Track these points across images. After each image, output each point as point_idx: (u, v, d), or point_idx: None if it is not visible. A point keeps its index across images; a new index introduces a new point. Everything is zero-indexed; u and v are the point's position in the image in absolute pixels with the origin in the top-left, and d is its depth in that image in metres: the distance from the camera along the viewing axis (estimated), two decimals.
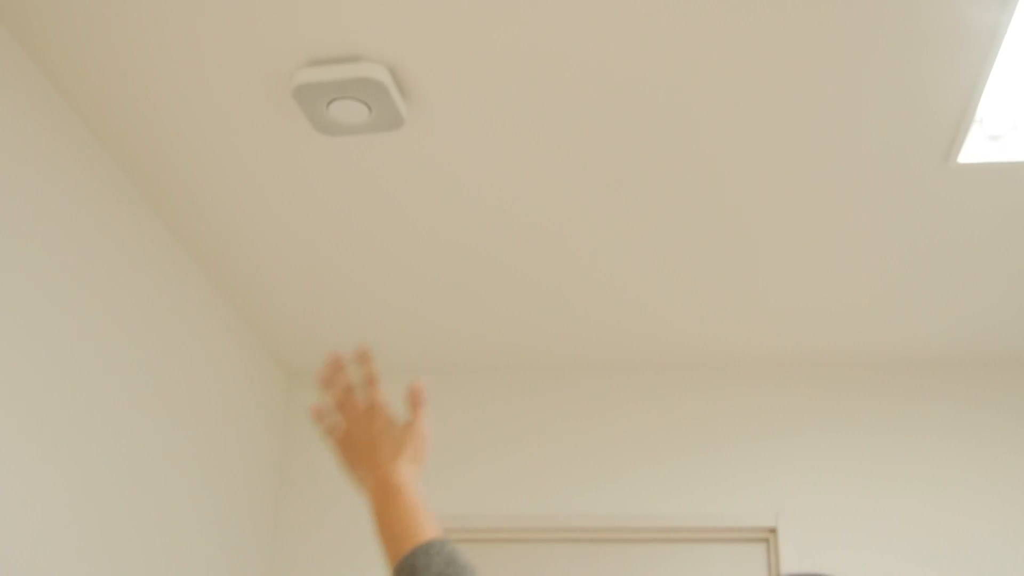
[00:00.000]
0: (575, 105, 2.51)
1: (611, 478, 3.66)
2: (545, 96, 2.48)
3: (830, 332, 3.53)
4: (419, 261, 3.19)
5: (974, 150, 2.60)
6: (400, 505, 1.35)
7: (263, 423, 3.67)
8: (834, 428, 3.66)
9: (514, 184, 2.81)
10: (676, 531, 3.58)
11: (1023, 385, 3.65)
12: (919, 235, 2.99)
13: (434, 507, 3.67)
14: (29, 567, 2.37)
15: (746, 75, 2.40)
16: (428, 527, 1.33)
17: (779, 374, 3.75)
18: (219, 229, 3.04)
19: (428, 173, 2.78)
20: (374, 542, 3.65)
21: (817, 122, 2.55)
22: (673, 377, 3.78)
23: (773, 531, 3.55)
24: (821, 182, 2.77)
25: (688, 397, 3.75)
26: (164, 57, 2.40)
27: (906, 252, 3.07)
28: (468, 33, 2.30)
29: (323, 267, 3.23)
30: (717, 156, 2.68)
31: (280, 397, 3.84)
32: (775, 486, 3.60)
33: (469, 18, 2.26)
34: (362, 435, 1.46)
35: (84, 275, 2.62)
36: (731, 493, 3.60)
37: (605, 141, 2.63)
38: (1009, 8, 2.17)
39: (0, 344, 2.31)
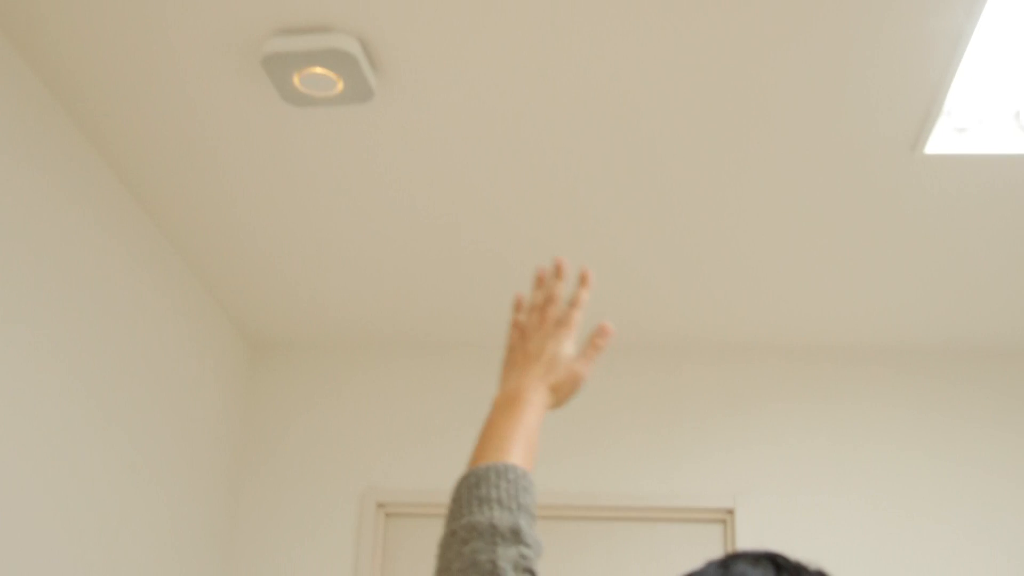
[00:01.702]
0: (545, 79, 2.50)
1: (570, 457, 3.68)
2: (516, 70, 2.47)
3: (791, 317, 3.55)
4: (388, 234, 3.17)
5: (941, 142, 2.62)
6: (512, 419, 1.32)
7: (225, 396, 3.65)
8: (792, 410, 3.69)
9: (483, 158, 2.81)
10: (634, 510, 3.60)
11: (980, 371, 3.69)
12: (885, 224, 3.01)
13: (393, 482, 3.68)
14: None
15: (716, 66, 2.40)
16: (522, 453, 1.28)
17: (738, 357, 3.77)
18: (184, 198, 3.02)
19: (397, 146, 2.76)
20: (335, 520, 3.66)
21: (786, 112, 2.55)
22: (632, 359, 3.80)
23: (731, 512, 3.58)
24: (789, 171, 2.78)
25: (647, 378, 3.77)
26: (131, 24, 2.37)
27: (872, 241, 3.09)
28: (439, 5, 2.28)
29: (290, 239, 3.21)
30: (686, 145, 2.68)
31: (243, 370, 3.82)
32: (733, 467, 3.63)
33: None
34: (534, 344, 1.43)
35: (41, 240, 2.59)
36: (689, 474, 3.63)
37: (576, 118, 2.63)
38: (978, 1, 2.18)
39: None
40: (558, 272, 1.47)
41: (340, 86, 2.45)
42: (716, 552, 3.55)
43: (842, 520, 3.53)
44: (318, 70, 2.40)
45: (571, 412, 3.73)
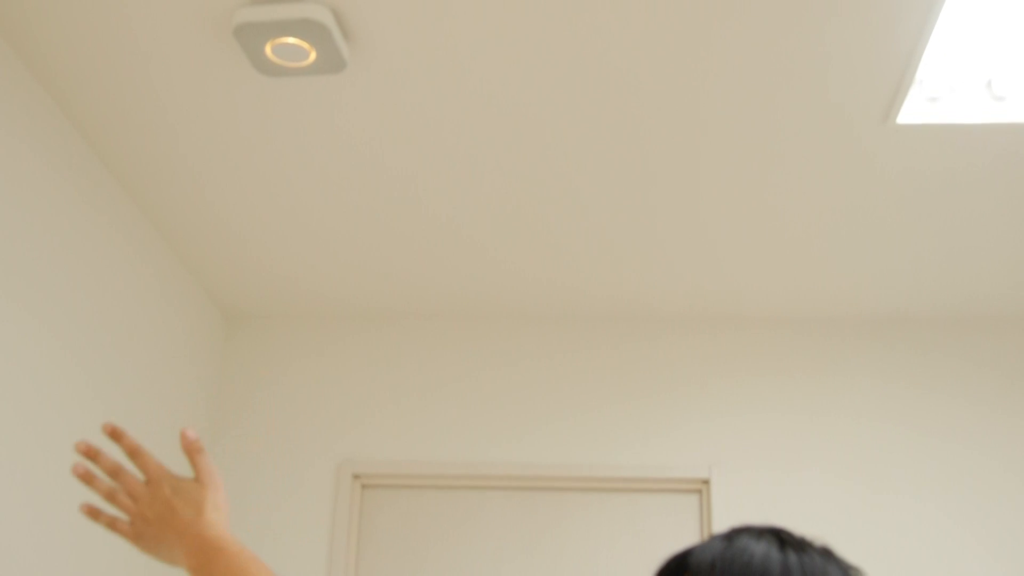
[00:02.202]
0: (519, 52, 2.49)
1: (546, 427, 3.69)
2: (488, 41, 2.46)
3: (766, 288, 3.57)
4: (360, 205, 3.17)
5: (913, 111, 2.63)
6: (226, 560, 1.27)
7: (199, 367, 3.64)
8: (767, 381, 3.71)
9: (455, 129, 2.80)
10: (610, 481, 3.62)
11: (955, 341, 3.71)
12: (858, 195, 3.02)
13: (368, 453, 3.69)
14: None
15: (689, 39, 2.40)
16: (261, 571, 1.26)
17: (713, 328, 3.79)
18: (156, 168, 3.00)
19: (370, 116, 2.75)
20: (311, 492, 3.66)
21: (758, 84, 2.55)
22: (608, 328, 3.81)
23: (706, 482, 3.60)
24: (761, 142, 2.79)
25: (623, 348, 3.78)
26: None
27: (844, 211, 3.10)
28: None
29: (263, 210, 3.20)
30: (656, 116, 2.68)
31: (217, 341, 3.81)
32: (708, 438, 3.65)
33: None
34: (154, 508, 1.37)
35: (13, 212, 2.57)
36: (665, 444, 3.65)
37: (548, 92, 2.62)
38: None
39: None
40: (92, 455, 1.42)
41: (312, 56, 2.44)
42: (692, 522, 3.57)
43: (817, 490, 3.56)
44: (290, 40, 2.38)
45: (546, 384, 3.75)
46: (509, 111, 2.71)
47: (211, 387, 3.74)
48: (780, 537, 1.09)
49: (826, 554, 1.09)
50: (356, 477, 3.67)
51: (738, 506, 3.55)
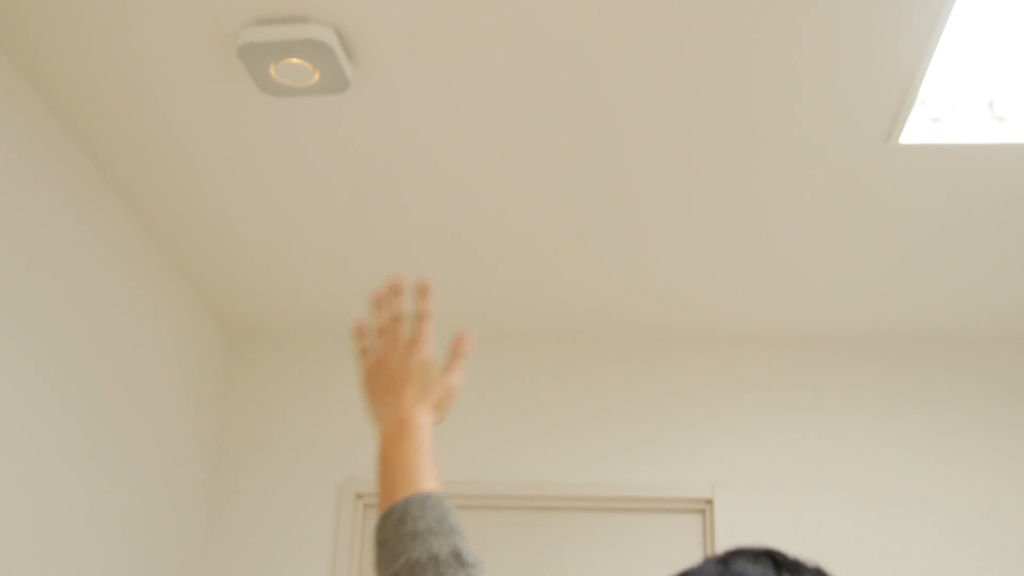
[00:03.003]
0: (520, 69, 2.50)
1: (549, 447, 3.69)
2: (491, 62, 2.48)
3: (770, 308, 3.57)
4: (365, 223, 3.17)
5: (915, 132, 2.63)
6: (410, 447, 1.29)
7: (203, 386, 3.64)
8: (772, 401, 3.70)
9: (459, 148, 2.81)
10: (613, 500, 3.62)
11: (959, 360, 3.71)
12: (861, 214, 3.02)
13: (371, 472, 3.68)
14: None
15: (690, 60, 2.41)
16: (431, 478, 1.27)
17: (717, 347, 3.78)
18: (160, 185, 3.01)
19: (373, 136, 2.76)
20: (314, 511, 3.66)
21: (760, 103, 2.56)
22: (612, 348, 3.81)
23: (709, 502, 3.59)
24: (764, 162, 2.79)
25: (626, 368, 3.78)
26: (108, 15, 2.36)
27: (847, 230, 3.11)
28: None
29: (267, 228, 3.21)
30: (661, 137, 2.69)
31: (221, 359, 3.81)
32: (712, 457, 3.64)
33: None
34: (396, 367, 1.40)
35: (15, 230, 2.58)
36: (668, 463, 3.64)
37: (551, 109, 2.63)
38: None
39: None
40: (395, 291, 1.43)
41: (316, 76, 2.45)
42: (695, 542, 3.56)
43: (821, 511, 3.55)
44: (294, 60, 2.40)
45: (549, 403, 3.74)
46: (512, 129, 2.72)
47: (213, 405, 3.74)
48: (775, 559, 1.09)
49: (820, 574, 1.09)
50: (359, 496, 3.67)
51: (741, 526, 3.54)
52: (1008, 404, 3.65)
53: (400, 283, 1.43)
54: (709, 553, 3.53)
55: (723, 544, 3.51)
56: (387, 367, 1.41)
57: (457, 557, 1.16)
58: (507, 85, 2.55)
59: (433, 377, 1.39)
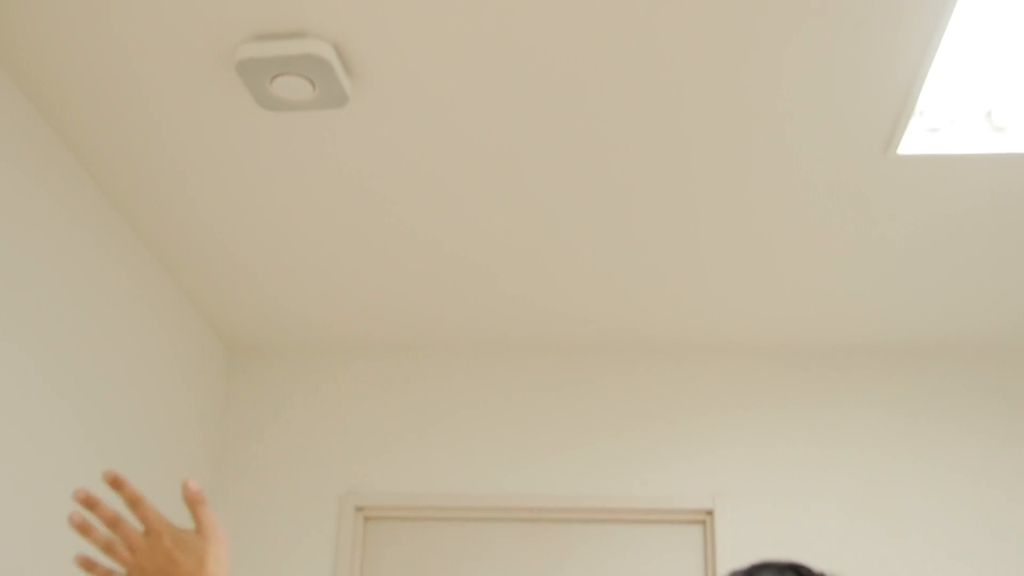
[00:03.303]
0: (518, 85, 2.50)
1: (549, 458, 3.68)
2: (489, 77, 2.48)
3: (769, 319, 3.57)
4: (363, 238, 3.17)
5: (914, 142, 2.64)
6: None
7: (202, 400, 3.64)
8: (772, 411, 3.70)
9: (456, 164, 2.81)
10: (613, 512, 3.61)
11: (959, 370, 3.71)
12: (859, 225, 3.02)
13: (371, 485, 3.68)
14: None
15: (685, 67, 2.41)
16: None
17: (717, 358, 3.78)
18: (159, 200, 3.01)
19: (371, 151, 2.76)
20: (313, 524, 3.65)
21: (758, 114, 2.56)
22: (612, 359, 3.81)
23: (710, 513, 3.59)
24: (761, 171, 2.79)
25: (626, 379, 3.78)
26: (106, 29, 2.36)
27: (846, 241, 3.11)
28: (413, 12, 2.28)
29: (266, 243, 3.21)
30: (658, 148, 2.69)
31: (220, 374, 3.81)
32: (712, 468, 3.64)
33: None
34: (154, 560, 1.35)
35: (16, 245, 2.58)
36: (668, 475, 3.64)
37: (549, 124, 2.63)
38: (950, 1, 2.20)
39: None
40: (89, 503, 1.39)
41: (314, 91, 2.45)
42: (695, 553, 3.56)
43: (822, 522, 3.55)
44: (293, 75, 2.40)
45: (550, 415, 3.74)
46: (510, 145, 2.72)
47: (213, 419, 3.73)
48: (800, 573, 1.09)
49: None
50: (359, 509, 3.66)
51: (742, 537, 3.53)
52: (1008, 414, 3.65)
53: (88, 496, 1.39)
54: (710, 564, 3.53)
55: (724, 555, 3.51)
56: (145, 569, 1.36)
57: None
58: (505, 99, 2.55)
59: (194, 541, 1.36)
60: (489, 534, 3.63)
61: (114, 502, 2.95)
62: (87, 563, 1.41)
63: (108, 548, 1.39)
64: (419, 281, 3.40)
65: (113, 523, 1.39)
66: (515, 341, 3.78)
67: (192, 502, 1.39)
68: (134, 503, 1.38)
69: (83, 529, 1.39)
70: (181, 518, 3.45)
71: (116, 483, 1.38)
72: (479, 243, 3.17)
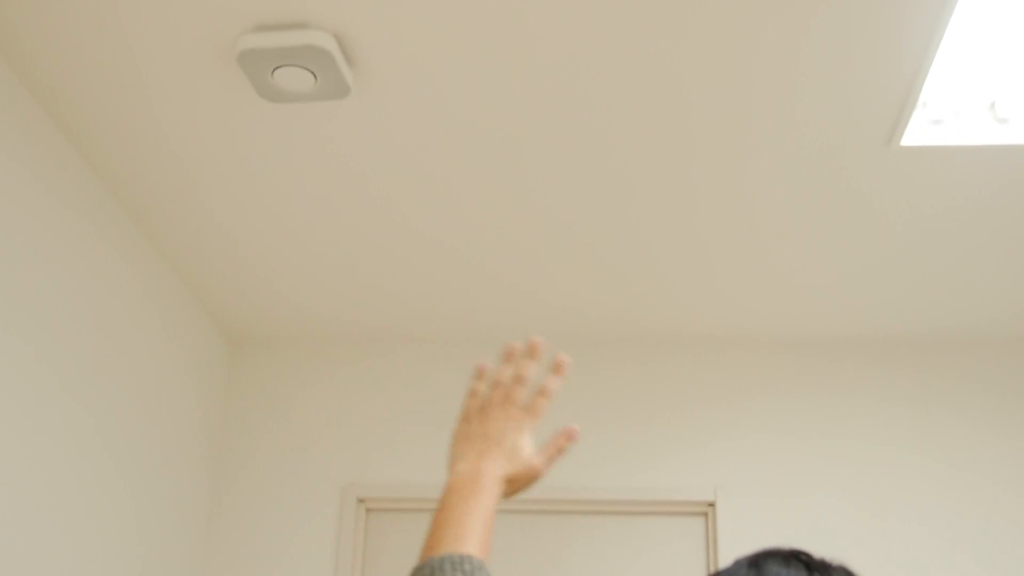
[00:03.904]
0: (521, 78, 2.50)
1: None
2: (491, 69, 2.47)
3: (771, 311, 3.56)
4: (365, 230, 3.17)
5: (917, 134, 2.63)
6: (471, 506, 1.28)
7: (205, 393, 3.64)
8: (772, 403, 3.70)
9: (459, 155, 2.80)
10: (615, 503, 3.61)
11: (955, 362, 3.71)
12: (862, 217, 3.02)
13: (373, 477, 3.68)
14: None
15: (686, 60, 2.40)
16: (477, 541, 1.26)
17: (719, 350, 3.78)
18: (161, 195, 3.01)
19: (373, 142, 2.76)
20: (316, 516, 3.65)
21: (760, 106, 2.56)
22: (613, 351, 3.80)
23: (712, 505, 3.59)
24: (765, 165, 2.79)
25: (628, 371, 3.78)
26: (108, 21, 2.35)
27: (849, 233, 3.10)
28: (415, 2, 2.28)
29: (268, 235, 3.21)
30: (660, 140, 2.69)
31: (222, 367, 3.81)
32: (714, 460, 3.64)
33: None
34: (495, 425, 1.37)
35: (18, 238, 2.58)
36: (670, 466, 3.64)
37: (551, 116, 2.63)
38: None
39: None
40: (532, 351, 1.40)
41: (316, 83, 2.44)
42: (697, 545, 3.56)
43: (823, 513, 3.55)
44: (294, 66, 2.39)
45: (551, 406, 3.74)
46: (512, 137, 2.71)
47: (216, 412, 3.73)
48: (805, 562, 1.09)
49: (847, 574, 1.09)
50: (361, 501, 3.66)
51: (744, 529, 3.53)
52: (1010, 407, 3.65)
53: (538, 346, 1.40)
54: (712, 556, 3.53)
55: (726, 547, 3.51)
56: (487, 420, 1.38)
57: None
58: (507, 90, 2.54)
59: (524, 454, 1.37)
60: (492, 525, 3.63)
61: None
62: (483, 373, 1.43)
63: (500, 385, 1.40)
64: (421, 274, 3.40)
65: (520, 378, 1.40)
66: (516, 334, 3.78)
67: (560, 443, 1.39)
68: (544, 392, 1.39)
69: (508, 356, 1.41)
70: (183, 512, 3.45)
71: (558, 368, 1.39)
72: (481, 236, 3.17)
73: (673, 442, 3.67)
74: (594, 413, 3.73)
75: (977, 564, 3.46)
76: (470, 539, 1.25)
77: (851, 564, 3.48)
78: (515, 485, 1.37)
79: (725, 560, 3.48)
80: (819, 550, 3.51)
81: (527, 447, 1.37)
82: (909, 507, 3.54)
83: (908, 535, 3.51)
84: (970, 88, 2.49)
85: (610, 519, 3.63)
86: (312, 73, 2.41)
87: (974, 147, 2.68)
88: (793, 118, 2.61)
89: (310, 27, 2.34)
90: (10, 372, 2.53)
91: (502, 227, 3.13)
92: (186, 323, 3.50)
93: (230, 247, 3.28)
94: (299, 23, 2.33)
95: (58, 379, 2.74)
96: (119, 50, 2.45)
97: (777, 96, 2.53)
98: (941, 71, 2.44)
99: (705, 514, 3.61)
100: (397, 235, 3.18)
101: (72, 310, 2.80)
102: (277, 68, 2.40)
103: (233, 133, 2.74)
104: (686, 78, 2.48)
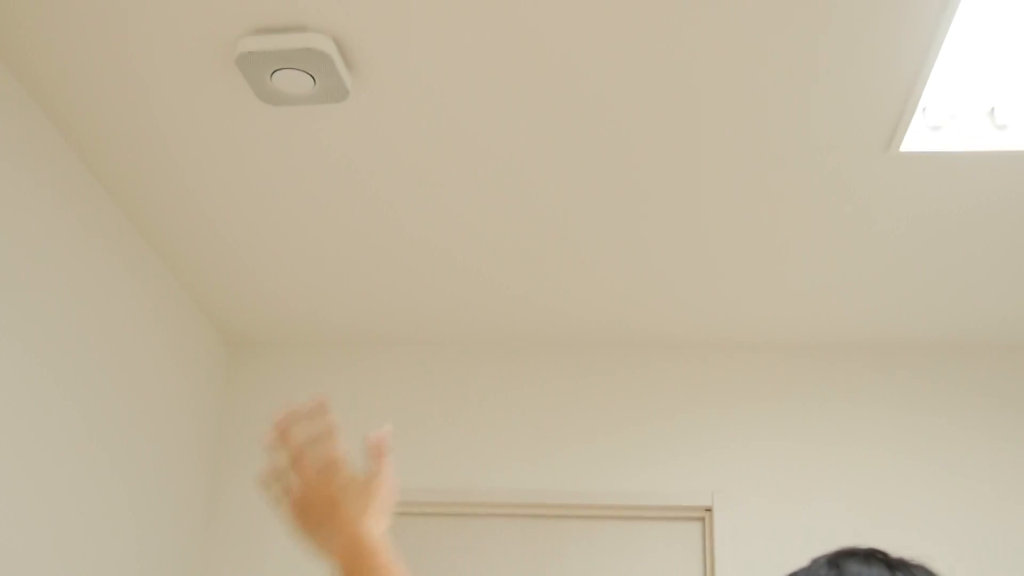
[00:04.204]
0: (520, 81, 2.50)
1: (548, 455, 3.68)
2: (490, 73, 2.47)
3: (769, 315, 3.56)
4: (364, 233, 3.17)
5: (915, 140, 2.63)
6: (376, 566, 1.24)
7: (203, 394, 3.63)
8: (770, 408, 3.70)
9: (457, 159, 2.80)
10: (612, 508, 3.61)
11: (953, 368, 3.71)
12: (861, 222, 3.02)
13: None
14: None
15: (688, 65, 2.40)
16: None
17: (715, 354, 3.78)
18: (160, 197, 3.00)
19: (372, 145, 2.76)
20: None
21: (759, 111, 2.56)
22: (610, 355, 3.80)
23: (709, 510, 3.58)
24: (764, 170, 2.79)
25: (625, 375, 3.77)
26: (106, 23, 2.35)
27: (847, 238, 3.10)
28: (414, 6, 2.28)
29: (267, 237, 3.20)
30: (658, 144, 2.68)
31: (221, 369, 3.80)
32: (711, 465, 3.63)
33: None
34: (322, 494, 1.33)
35: (16, 239, 2.57)
36: (667, 471, 3.63)
37: (550, 120, 2.63)
38: None
39: None
40: (290, 420, 1.37)
41: (315, 86, 2.44)
42: (694, 550, 3.55)
43: (821, 518, 3.54)
44: (293, 70, 2.39)
45: (548, 411, 3.73)
46: (510, 141, 2.71)
47: (213, 414, 3.73)
48: (886, 561, 1.09)
49: (927, 572, 1.09)
50: None
51: (741, 534, 3.53)
52: (1008, 413, 3.64)
53: (292, 413, 1.36)
54: (709, 561, 3.52)
55: (723, 552, 3.50)
56: (311, 499, 1.34)
57: None
58: (507, 94, 2.54)
59: (363, 487, 1.33)
60: (488, 530, 3.63)
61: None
62: (270, 476, 1.38)
63: (293, 466, 1.36)
64: (419, 276, 3.40)
65: (301, 447, 1.36)
66: (514, 337, 3.78)
67: (377, 452, 1.36)
68: (328, 434, 1.35)
69: (279, 442, 1.36)
70: (181, 514, 3.45)
71: (320, 410, 1.36)
72: (479, 238, 3.17)
73: (670, 447, 3.67)
74: (590, 417, 3.72)
75: (978, 569, 3.45)
76: None
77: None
78: (385, 511, 1.34)
79: (722, 565, 3.47)
80: (817, 555, 3.50)
81: (360, 482, 1.33)
82: (907, 512, 3.53)
83: (906, 539, 3.50)
84: (969, 94, 2.49)
85: (607, 524, 3.62)
86: (311, 76, 2.41)
87: (973, 153, 2.68)
88: (792, 124, 2.61)
89: (309, 30, 2.34)
90: (9, 373, 2.53)
91: (500, 231, 3.13)
92: (184, 324, 3.50)
93: (229, 249, 3.28)
94: (298, 26, 2.33)
95: (56, 380, 2.73)
96: (119, 52, 2.45)
97: (777, 102, 2.53)
98: (940, 77, 2.44)
99: (702, 519, 3.60)
100: (395, 238, 3.18)
101: (70, 311, 2.80)
102: (276, 71, 2.40)
103: (232, 136, 2.73)
104: (685, 84, 2.48)
